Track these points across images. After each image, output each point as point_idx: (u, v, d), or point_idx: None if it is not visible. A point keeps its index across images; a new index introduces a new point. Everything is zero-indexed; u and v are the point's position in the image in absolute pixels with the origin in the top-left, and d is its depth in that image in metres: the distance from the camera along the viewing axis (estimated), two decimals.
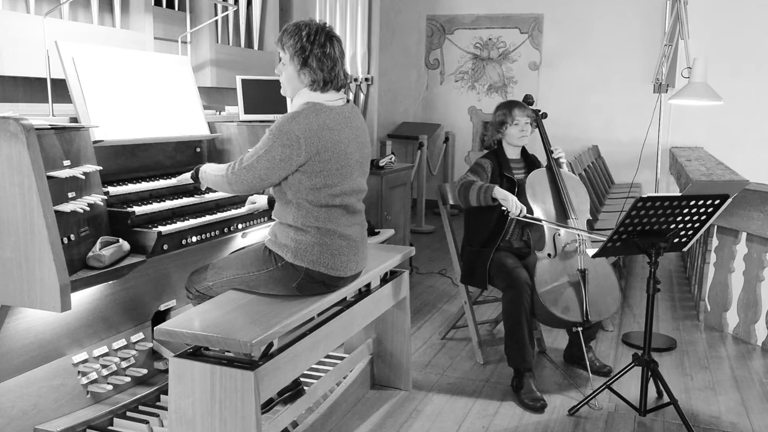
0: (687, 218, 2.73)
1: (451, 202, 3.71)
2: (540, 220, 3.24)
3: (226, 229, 2.78)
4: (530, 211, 3.23)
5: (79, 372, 2.54)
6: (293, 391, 2.62)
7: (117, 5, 3.43)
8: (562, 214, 3.32)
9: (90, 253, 2.26)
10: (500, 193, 3.18)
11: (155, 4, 3.74)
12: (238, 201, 2.95)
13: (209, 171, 2.57)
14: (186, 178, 2.73)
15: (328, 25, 2.44)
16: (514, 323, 3.10)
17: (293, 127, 2.31)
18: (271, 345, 2.22)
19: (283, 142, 2.30)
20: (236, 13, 4.50)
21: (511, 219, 3.28)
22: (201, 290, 2.56)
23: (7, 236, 2.11)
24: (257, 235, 3.15)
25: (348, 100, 2.53)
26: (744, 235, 3.99)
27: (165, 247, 2.46)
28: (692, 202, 2.67)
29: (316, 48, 2.36)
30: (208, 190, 2.89)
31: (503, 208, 3.18)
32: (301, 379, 2.96)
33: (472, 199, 3.25)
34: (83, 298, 2.52)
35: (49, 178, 2.12)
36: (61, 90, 2.61)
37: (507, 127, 3.39)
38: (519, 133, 3.38)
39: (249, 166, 2.36)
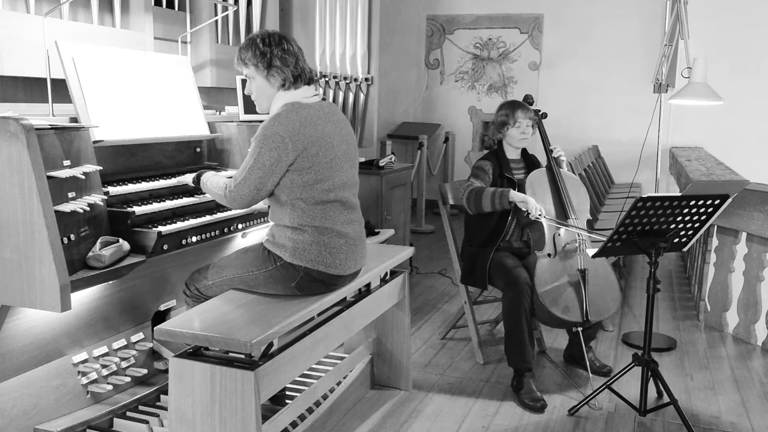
0: (687, 218, 2.73)
1: (451, 202, 3.71)
2: (560, 222, 3.24)
3: (226, 229, 2.78)
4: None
5: (79, 372, 2.54)
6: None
7: (117, 5, 3.42)
8: (562, 213, 3.32)
9: (90, 253, 2.26)
10: (518, 196, 3.18)
11: (155, 4, 3.73)
12: None
13: (209, 185, 2.58)
14: (187, 180, 2.73)
15: (278, 30, 2.48)
16: (514, 323, 3.10)
17: (276, 129, 2.33)
18: (271, 345, 2.22)
19: (269, 147, 2.32)
20: (236, 13, 4.49)
21: (512, 219, 3.29)
22: (200, 288, 2.56)
23: (7, 236, 2.11)
24: (257, 235, 3.15)
25: (323, 98, 2.56)
26: (744, 235, 3.99)
27: (165, 247, 2.47)
28: (692, 202, 2.67)
29: (275, 48, 2.42)
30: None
31: (524, 210, 3.17)
32: (297, 381, 2.96)
33: (485, 205, 3.23)
34: (83, 298, 2.52)
35: (49, 178, 2.12)
36: (61, 90, 2.61)
37: (508, 128, 3.38)
38: (520, 135, 3.37)
39: (243, 180, 2.38)
